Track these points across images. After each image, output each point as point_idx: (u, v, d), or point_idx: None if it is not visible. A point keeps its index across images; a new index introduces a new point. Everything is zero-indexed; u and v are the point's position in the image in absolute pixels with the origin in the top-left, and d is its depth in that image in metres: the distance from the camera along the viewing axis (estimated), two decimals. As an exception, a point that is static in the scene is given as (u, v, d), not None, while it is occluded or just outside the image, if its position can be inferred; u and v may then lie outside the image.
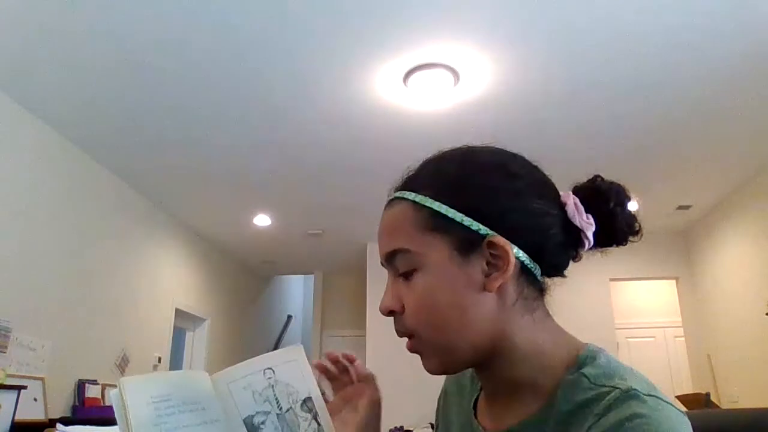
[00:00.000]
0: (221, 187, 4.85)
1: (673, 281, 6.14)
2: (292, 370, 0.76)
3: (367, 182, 4.53)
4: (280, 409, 0.73)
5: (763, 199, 4.47)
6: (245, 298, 7.58)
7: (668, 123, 3.72)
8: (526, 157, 0.70)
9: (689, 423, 0.54)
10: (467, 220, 0.62)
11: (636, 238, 0.68)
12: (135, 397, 0.66)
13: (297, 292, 10.17)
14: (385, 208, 0.69)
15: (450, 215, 0.62)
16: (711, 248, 5.46)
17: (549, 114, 3.62)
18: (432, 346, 0.64)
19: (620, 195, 0.68)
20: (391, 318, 0.67)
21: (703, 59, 3.04)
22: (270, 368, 0.75)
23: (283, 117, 3.67)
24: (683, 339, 6.15)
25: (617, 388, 0.55)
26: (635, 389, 0.54)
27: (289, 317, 9.47)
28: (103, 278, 4.39)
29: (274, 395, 0.73)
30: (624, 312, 6.79)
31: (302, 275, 9.54)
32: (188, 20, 2.73)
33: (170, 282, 5.49)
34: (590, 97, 3.41)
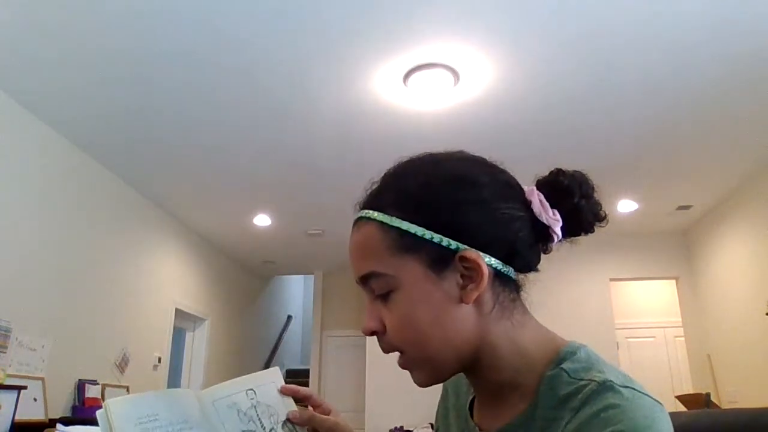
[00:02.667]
0: (221, 187, 4.85)
1: (673, 281, 6.14)
2: (271, 391, 0.77)
3: (367, 182, 4.52)
4: (264, 428, 0.73)
5: (763, 199, 4.47)
6: (245, 298, 7.58)
7: (668, 123, 3.72)
8: (489, 159, 0.70)
9: (666, 412, 0.55)
10: (437, 237, 0.62)
11: (603, 224, 0.68)
12: (122, 419, 0.65)
13: (297, 292, 10.18)
14: (353, 228, 0.69)
15: (419, 234, 0.62)
16: (711, 248, 5.46)
17: (549, 114, 3.62)
18: (418, 362, 0.65)
19: (583, 187, 0.67)
20: None
21: (703, 61, 3.04)
22: (251, 389, 0.75)
23: (284, 117, 3.68)
24: (683, 339, 6.15)
25: (593, 380, 0.56)
26: (610, 381, 0.55)
27: (289, 317, 9.47)
28: (104, 278, 4.39)
29: (257, 415, 0.73)
30: (624, 312, 6.79)
31: (302, 275, 9.55)
32: (188, 22, 2.73)
33: (170, 282, 5.49)
34: (590, 97, 3.41)
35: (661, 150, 4.12)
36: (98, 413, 0.66)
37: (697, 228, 5.75)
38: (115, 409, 0.66)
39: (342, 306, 7.60)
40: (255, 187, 4.89)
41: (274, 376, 0.79)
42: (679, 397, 4.33)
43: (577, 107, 3.54)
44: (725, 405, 5.00)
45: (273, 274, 8.34)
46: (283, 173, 4.56)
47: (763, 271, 4.49)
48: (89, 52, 2.98)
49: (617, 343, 6.09)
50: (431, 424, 5.58)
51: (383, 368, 5.91)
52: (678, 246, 6.00)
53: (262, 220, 5.64)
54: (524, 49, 2.97)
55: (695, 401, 4.23)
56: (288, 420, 0.75)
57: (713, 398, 4.66)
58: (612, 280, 6.07)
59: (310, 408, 0.79)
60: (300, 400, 0.79)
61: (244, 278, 7.54)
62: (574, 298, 5.70)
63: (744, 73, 3.16)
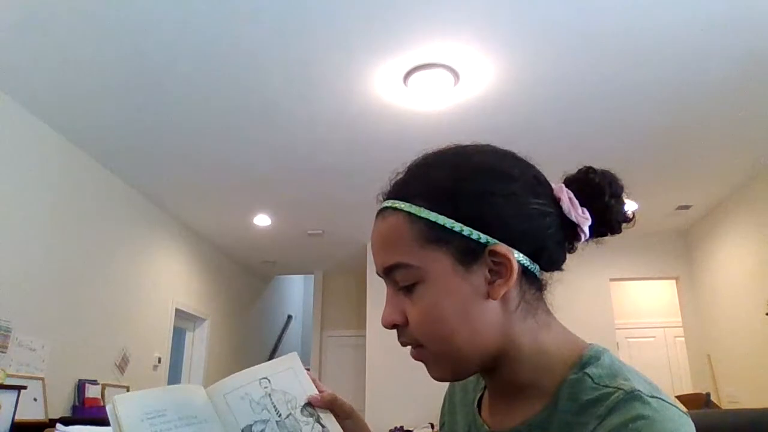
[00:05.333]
0: (221, 187, 4.85)
1: (673, 281, 6.14)
2: (289, 377, 0.76)
3: (367, 182, 4.53)
4: (279, 415, 0.71)
5: (763, 198, 4.47)
6: (245, 298, 7.58)
7: (668, 123, 3.72)
8: (518, 153, 0.69)
9: (692, 424, 0.54)
10: (467, 230, 0.61)
11: (629, 225, 0.68)
12: (129, 415, 0.65)
13: (297, 292, 10.18)
14: (377, 218, 0.67)
15: (449, 226, 0.61)
16: (711, 248, 5.46)
17: (549, 114, 3.62)
18: (439, 356, 0.64)
19: (614, 186, 0.67)
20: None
21: (703, 60, 3.04)
22: (266, 378, 0.74)
23: (284, 117, 3.68)
24: (683, 339, 6.15)
25: (620, 389, 0.55)
26: (638, 390, 0.54)
27: (289, 317, 9.47)
28: (104, 278, 4.39)
29: (272, 403, 0.72)
30: (624, 312, 6.79)
31: (302, 275, 9.55)
32: (189, 30, 2.73)
33: (170, 282, 5.49)
34: (590, 97, 3.41)
35: (661, 150, 4.12)
36: (108, 408, 0.66)
37: (697, 228, 5.75)
38: (122, 405, 0.66)
39: (342, 306, 7.60)
40: (255, 187, 4.89)
41: (292, 362, 0.78)
42: (679, 397, 4.32)
43: (577, 108, 3.54)
44: (725, 405, 5.00)
45: (273, 274, 8.34)
46: (283, 173, 4.56)
47: (763, 271, 4.49)
48: (94, 58, 2.98)
49: (617, 343, 6.09)
50: (431, 424, 5.58)
51: (383, 368, 5.90)
52: (678, 246, 6.00)
53: (262, 220, 5.64)
54: (524, 49, 2.97)
55: (695, 401, 4.23)
56: (307, 405, 0.74)
57: (713, 398, 4.65)
58: (612, 280, 6.07)
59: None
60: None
61: (244, 278, 7.54)
62: (574, 298, 5.69)
63: (744, 74, 3.16)
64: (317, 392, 0.76)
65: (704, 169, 4.49)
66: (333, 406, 0.75)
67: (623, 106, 3.51)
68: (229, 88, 3.32)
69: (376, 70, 3.14)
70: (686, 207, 5.29)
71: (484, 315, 0.61)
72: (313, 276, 7.91)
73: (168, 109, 3.56)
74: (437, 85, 3.23)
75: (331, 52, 3.00)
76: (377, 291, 6.08)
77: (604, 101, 3.46)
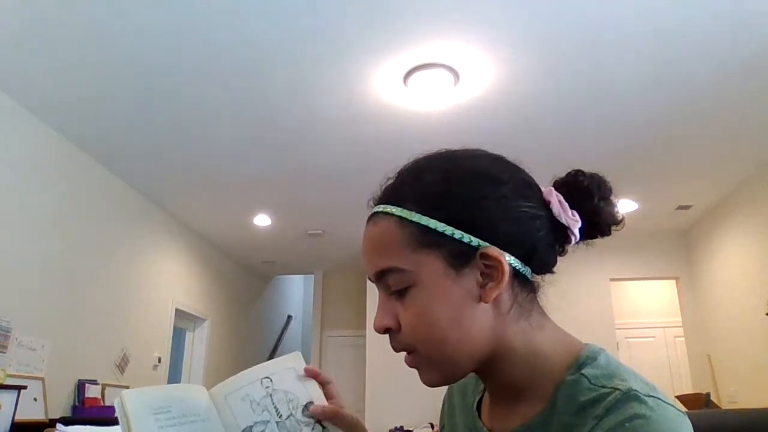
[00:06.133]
0: (221, 187, 4.85)
1: (673, 281, 6.14)
2: (291, 377, 0.76)
3: (367, 182, 4.50)
4: (280, 416, 0.72)
5: (763, 198, 4.47)
6: (245, 298, 7.58)
7: (668, 124, 3.72)
8: (507, 157, 0.69)
9: (690, 424, 0.54)
10: (458, 233, 0.61)
11: (619, 227, 0.68)
12: (136, 409, 0.66)
13: (297, 292, 10.18)
14: (368, 224, 0.67)
15: (440, 229, 0.61)
16: (711, 248, 5.46)
17: (549, 114, 3.62)
18: (431, 361, 0.64)
19: (602, 189, 0.67)
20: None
21: (703, 60, 3.04)
22: (267, 377, 0.75)
23: (284, 117, 3.68)
24: (683, 339, 6.15)
25: (617, 389, 0.55)
26: (635, 390, 0.54)
27: (289, 317, 9.48)
28: (103, 278, 4.39)
29: (273, 404, 0.73)
30: (624, 312, 6.79)
31: (302, 275, 9.55)
32: (188, 21, 2.74)
33: (170, 282, 5.49)
34: (590, 97, 3.41)
35: (661, 150, 4.12)
36: (116, 402, 0.68)
37: (697, 228, 5.75)
38: (129, 399, 0.67)
39: (342, 306, 7.60)
40: (255, 187, 4.89)
41: (295, 362, 0.78)
42: (679, 397, 4.33)
43: (577, 107, 3.54)
44: (725, 405, 5.00)
45: (273, 274, 8.34)
46: (283, 173, 4.56)
47: (763, 271, 4.49)
48: (94, 59, 2.99)
49: (617, 343, 6.09)
50: (431, 424, 5.58)
51: (383, 368, 5.91)
52: (678, 246, 6.00)
53: (262, 220, 5.64)
54: (524, 49, 2.97)
55: (695, 401, 4.24)
56: (309, 404, 0.74)
57: (713, 398, 4.66)
58: (612, 280, 6.08)
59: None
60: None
61: (244, 278, 7.54)
62: (574, 298, 5.70)
63: (745, 74, 3.16)
64: (320, 393, 0.76)
65: (704, 169, 4.49)
66: (335, 419, 0.74)
67: (623, 106, 3.51)
68: (228, 88, 3.32)
69: (376, 70, 3.14)
70: (686, 207, 5.29)
71: (476, 318, 0.62)
72: (313, 276, 7.91)
73: (168, 110, 3.56)
74: (437, 85, 3.23)
75: (330, 53, 3.00)
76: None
77: (604, 101, 3.46)
